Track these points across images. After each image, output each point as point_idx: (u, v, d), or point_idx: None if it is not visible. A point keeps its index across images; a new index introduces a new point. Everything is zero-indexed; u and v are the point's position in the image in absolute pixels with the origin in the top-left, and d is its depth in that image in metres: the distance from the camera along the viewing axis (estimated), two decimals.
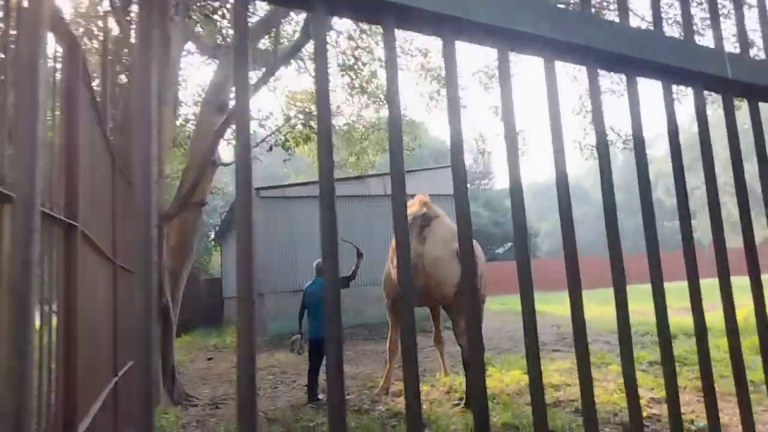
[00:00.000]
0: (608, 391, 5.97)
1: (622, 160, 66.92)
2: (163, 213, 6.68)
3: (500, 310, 19.25)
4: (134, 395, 0.75)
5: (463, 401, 5.82)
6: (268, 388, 7.98)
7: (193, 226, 7.33)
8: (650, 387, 6.08)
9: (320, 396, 6.60)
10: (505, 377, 6.91)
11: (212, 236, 26.53)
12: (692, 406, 5.27)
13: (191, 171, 6.75)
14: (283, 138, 9.38)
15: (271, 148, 9.02)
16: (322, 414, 5.92)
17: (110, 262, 3.79)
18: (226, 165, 7.51)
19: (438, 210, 6.89)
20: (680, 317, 12.10)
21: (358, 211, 15.30)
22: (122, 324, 4.08)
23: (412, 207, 6.95)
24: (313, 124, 9.82)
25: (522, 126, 14.85)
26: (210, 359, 12.04)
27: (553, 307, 19.03)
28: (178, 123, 9.80)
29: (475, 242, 6.37)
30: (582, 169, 71.67)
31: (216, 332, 18.88)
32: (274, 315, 14.24)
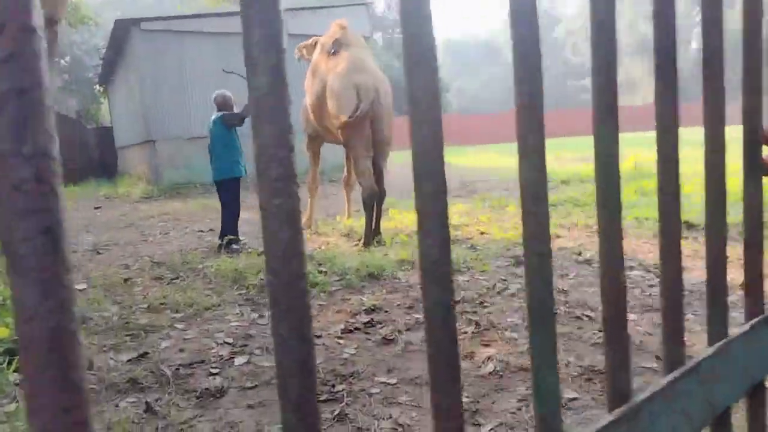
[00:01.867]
0: (504, 229, 6.06)
1: None
2: None
3: (405, 163, 19.33)
4: None
5: (362, 241, 5.69)
6: (158, 234, 7.50)
7: (47, 50, 6.12)
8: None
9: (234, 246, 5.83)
10: (405, 219, 6.86)
11: (96, 81, 23.75)
12: (581, 240, 5.46)
13: None
14: None
15: None
16: (211, 258, 5.59)
17: None
18: None
19: (354, 38, 6.17)
20: (576, 166, 12.67)
21: None
22: None
23: (329, 32, 6.25)
24: None
25: None
26: (98, 208, 11.21)
27: (455, 159, 19.43)
28: None
29: (385, 79, 5.79)
30: (498, 23, 70.47)
31: (108, 183, 17.68)
32: (169, 163, 13.30)
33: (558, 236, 5.74)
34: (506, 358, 2.80)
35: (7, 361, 2.77)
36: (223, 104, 6.14)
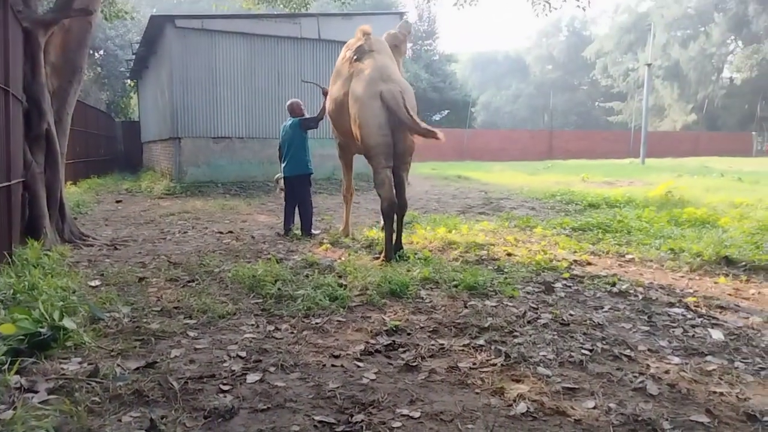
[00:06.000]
0: (532, 252, 5.82)
1: (565, 35, 65.71)
2: (37, 19, 5.42)
3: (430, 175, 19.23)
4: None
5: (382, 254, 5.50)
6: (177, 233, 7.39)
7: (79, 41, 6.06)
8: (573, 250, 5.99)
9: (293, 229, 7.04)
10: (429, 235, 6.65)
11: (127, 75, 23.99)
12: (614, 269, 5.20)
13: None
14: None
15: None
16: (230, 260, 5.45)
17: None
18: None
19: (378, 44, 6.02)
20: (603, 189, 12.34)
21: (288, 54, 13.91)
22: None
23: (354, 38, 6.13)
24: None
25: None
26: (119, 202, 11.21)
27: (480, 174, 19.20)
28: None
29: (409, 88, 5.58)
30: (527, 42, 70.03)
31: (132, 177, 17.81)
32: (192, 161, 13.28)
33: (589, 263, 5.49)
34: (539, 397, 2.57)
35: (8, 362, 2.62)
36: (295, 110, 7.19)
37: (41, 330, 3.02)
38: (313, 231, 7.03)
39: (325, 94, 6.89)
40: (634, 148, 36.25)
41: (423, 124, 5.32)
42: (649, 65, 29.10)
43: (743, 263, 5.23)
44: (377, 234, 6.59)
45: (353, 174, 7.08)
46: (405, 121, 5.24)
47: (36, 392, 2.51)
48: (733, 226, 6.99)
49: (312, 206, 7.17)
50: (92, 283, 4.52)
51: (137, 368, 2.86)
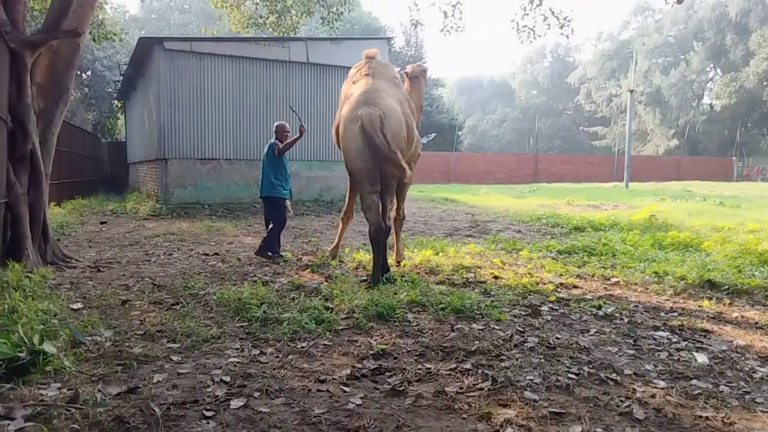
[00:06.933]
0: (518, 274, 5.84)
1: (549, 60, 66.96)
2: (25, 39, 5.41)
3: (417, 197, 19.30)
4: None
5: (370, 277, 5.47)
6: (162, 254, 7.31)
7: (66, 62, 6.05)
8: (559, 273, 6.02)
9: (270, 253, 6.90)
10: (416, 257, 6.65)
11: (115, 96, 23.94)
12: (600, 293, 5.22)
13: None
14: None
15: None
16: (215, 283, 5.40)
17: None
18: None
19: (377, 68, 5.97)
20: (588, 213, 12.47)
21: (277, 77, 14.00)
22: None
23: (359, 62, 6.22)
24: None
25: None
26: (103, 223, 11.08)
27: (466, 197, 19.32)
28: None
29: (395, 113, 5.55)
30: (512, 67, 71.19)
31: (117, 198, 17.66)
32: (179, 183, 13.22)
33: (575, 286, 5.51)
34: (527, 422, 2.56)
35: None
36: (277, 133, 7.13)
37: (20, 354, 2.96)
38: (270, 253, 6.85)
39: (300, 130, 6.81)
40: (618, 172, 36.81)
41: (396, 156, 5.21)
42: (631, 91, 29.73)
43: (726, 287, 5.29)
44: (364, 256, 6.57)
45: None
46: (379, 145, 5.16)
47: (13, 419, 2.44)
48: (716, 250, 7.08)
49: (279, 228, 6.96)
50: (74, 306, 4.44)
51: (118, 394, 2.80)
